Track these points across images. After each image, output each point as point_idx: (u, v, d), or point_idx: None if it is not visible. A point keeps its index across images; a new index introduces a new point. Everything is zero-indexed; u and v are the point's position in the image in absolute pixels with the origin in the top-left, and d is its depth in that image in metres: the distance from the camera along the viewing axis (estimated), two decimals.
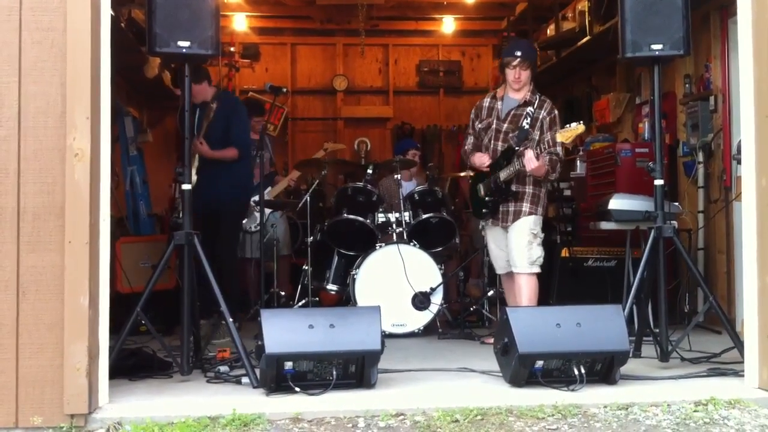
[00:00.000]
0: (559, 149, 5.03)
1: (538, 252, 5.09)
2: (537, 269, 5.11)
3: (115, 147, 7.18)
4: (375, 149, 10.36)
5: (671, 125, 6.80)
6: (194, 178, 5.63)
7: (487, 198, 5.23)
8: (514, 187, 5.08)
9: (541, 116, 5.10)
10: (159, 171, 8.40)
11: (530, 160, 4.87)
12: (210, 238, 5.40)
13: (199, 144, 5.65)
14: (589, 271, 6.27)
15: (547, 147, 5.06)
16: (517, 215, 5.11)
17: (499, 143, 5.18)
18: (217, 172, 5.70)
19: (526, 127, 5.07)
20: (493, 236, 5.34)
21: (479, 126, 5.33)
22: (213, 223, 5.75)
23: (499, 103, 5.25)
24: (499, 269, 5.43)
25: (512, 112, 5.17)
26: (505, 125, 5.17)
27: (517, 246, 5.08)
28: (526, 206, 5.10)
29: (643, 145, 6.85)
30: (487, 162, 5.22)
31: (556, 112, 5.18)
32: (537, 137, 5.11)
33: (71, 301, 3.44)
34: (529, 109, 5.12)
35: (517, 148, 5.06)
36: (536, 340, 3.85)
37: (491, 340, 5.31)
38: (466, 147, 5.46)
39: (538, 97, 5.17)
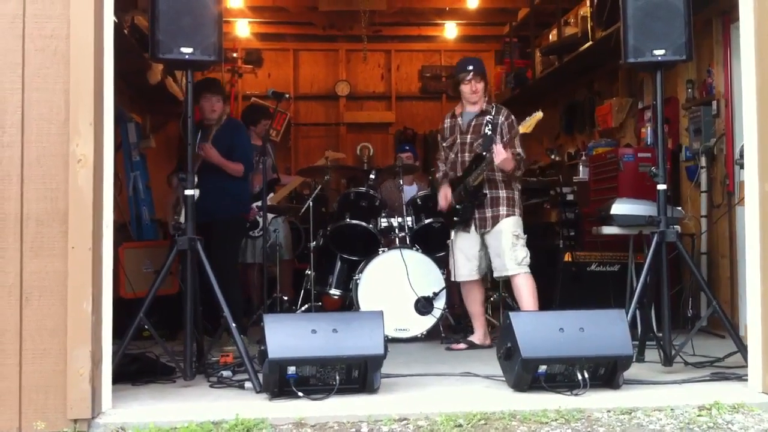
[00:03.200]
0: (520, 150, 5.29)
1: (522, 253, 5.28)
2: (526, 269, 5.26)
3: (118, 153, 7.18)
4: (377, 154, 10.38)
5: (674, 130, 6.79)
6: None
7: (458, 206, 5.44)
8: (487, 192, 5.29)
9: (500, 122, 5.37)
10: (162, 176, 8.38)
11: (499, 152, 5.05)
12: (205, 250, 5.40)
13: (208, 148, 5.57)
14: (592, 275, 6.27)
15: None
16: (496, 219, 5.32)
17: (467, 154, 5.46)
18: (214, 184, 5.60)
19: (489, 132, 5.34)
20: (461, 244, 5.50)
21: (445, 145, 5.62)
22: (206, 235, 5.71)
23: (459, 119, 5.55)
24: (460, 276, 5.55)
25: (473, 123, 5.47)
26: (469, 136, 5.47)
27: (503, 250, 5.28)
28: (503, 209, 5.32)
29: (645, 149, 6.85)
30: (446, 205, 5.52)
31: (513, 117, 5.43)
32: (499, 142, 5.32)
33: (74, 306, 3.45)
34: (488, 117, 5.41)
35: (484, 153, 5.24)
36: (539, 345, 3.85)
37: (460, 346, 5.51)
38: (437, 175, 5.73)
39: (494, 105, 5.49)
